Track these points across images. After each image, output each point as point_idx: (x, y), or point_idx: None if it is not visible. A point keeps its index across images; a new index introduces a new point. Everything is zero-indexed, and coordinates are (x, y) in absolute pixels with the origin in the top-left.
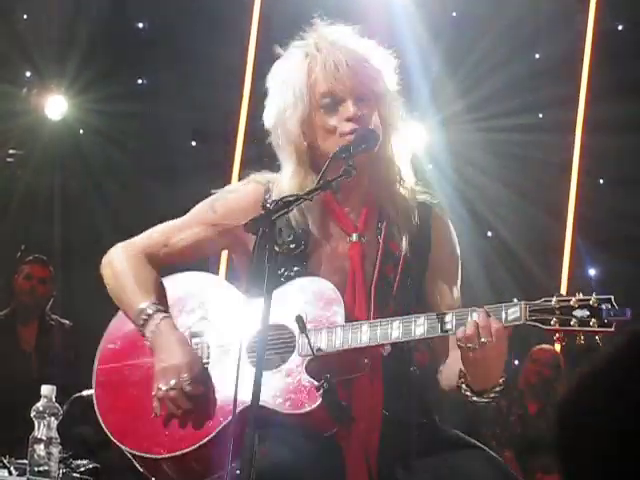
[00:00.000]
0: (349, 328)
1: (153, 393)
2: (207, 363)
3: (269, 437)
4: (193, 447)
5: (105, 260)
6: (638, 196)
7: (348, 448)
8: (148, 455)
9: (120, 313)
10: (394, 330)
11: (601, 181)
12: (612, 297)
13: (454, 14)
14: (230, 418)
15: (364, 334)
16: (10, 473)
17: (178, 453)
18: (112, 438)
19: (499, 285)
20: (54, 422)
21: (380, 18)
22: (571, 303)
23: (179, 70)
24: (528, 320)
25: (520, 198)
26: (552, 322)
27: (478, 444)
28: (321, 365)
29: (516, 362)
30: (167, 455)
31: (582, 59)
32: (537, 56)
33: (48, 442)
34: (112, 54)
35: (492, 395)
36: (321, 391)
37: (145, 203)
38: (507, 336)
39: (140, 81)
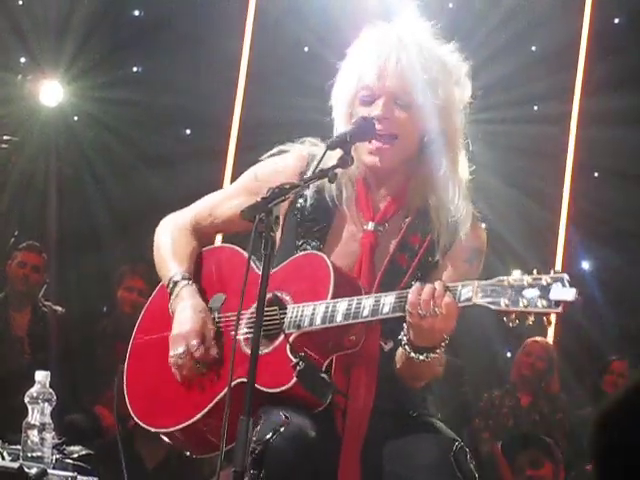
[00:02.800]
0: (330, 304)
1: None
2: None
3: (287, 410)
4: (196, 418)
5: (157, 230)
6: (632, 190)
7: (343, 427)
8: (157, 430)
9: (158, 287)
10: (365, 308)
11: (596, 174)
12: (565, 275)
13: (450, 5)
14: (219, 396)
15: (339, 313)
16: (3, 458)
17: (184, 424)
18: (129, 408)
19: (492, 277)
20: (48, 408)
21: (375, 7)
22: (524, 282)
23: (175, 58)
24: (480, 299)
25: (514, 190)
26: (502, 303)
27: (444, 430)
28: (305, 343)
29: (508, 354)
30: (170, 429)
31: (578, 52)
32: (533, 48)
33: (41, 428)
34: (108, 41)
35: (432, 355)
36: (297, 369)
37: (140, 190)
38: (457, 315)
39: (135, 69)
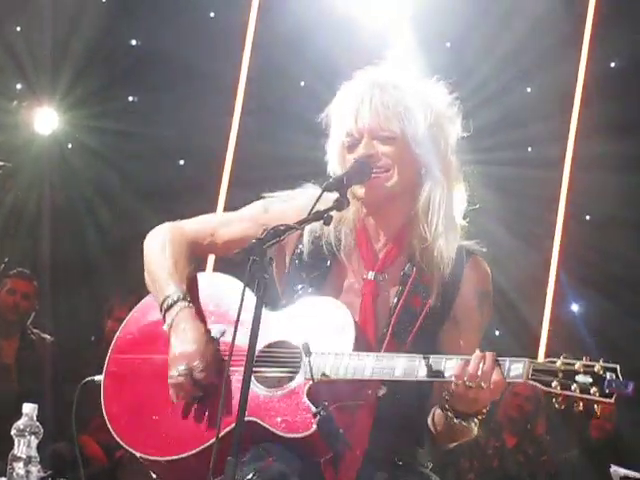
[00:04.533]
0: (355, 357)
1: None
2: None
3: (274, 451)
4: (191, 452)
5: (151, 235)
6: (623, 235)
7: (332, 474)
8: (143, 456)
9: (140, 304)
10: (398, 368)
11: (587, 217)
12: (618, 367)
13: (448, 45)
14: (228, 429)
15: (368, 367)
16: None
17: (174, 457)
18: (111, 430)
19: None
20: (34, 441)
21: (372, 43)
22: (575, 367)
23: (171, 89)
24: (529, 379)
25: (505, 230)
26: (553, 384)
27: None
28: (324, 390)
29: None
30: (159, 458)
31: (574, 94)
32: (529, 90)
33: (27, 461)
34: (105, 71)
35: (474, 421)
36: (317, 418)
37: (132, 220)
38: (503, 389)
39: (131, 98)
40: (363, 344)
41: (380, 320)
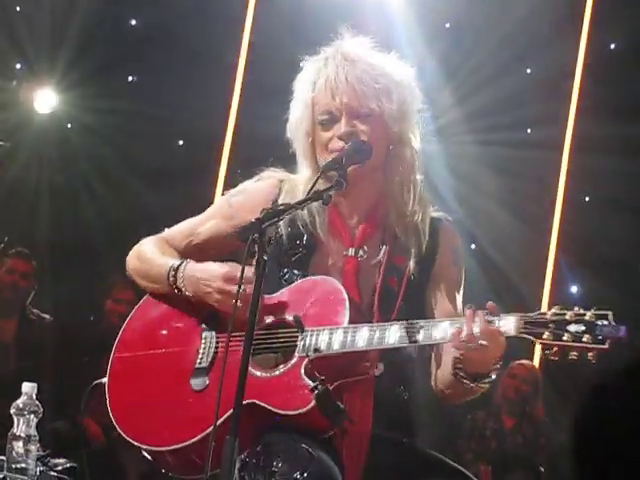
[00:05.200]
0: (349, 330)
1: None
2: (215, 354)
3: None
4: (192, 440)
5: (130, 254)
6: (622, 216)
7: (345, 453)
8: (149, 447)
9: (141, 302)
10: (392, 335)
11: (587, 199)
12: (610, 313)
13: (447, 25)
14: (224, 417)
15: (361, 338)
16: None
17: (178, 446)
18: (117, 427)
19: (481, 298)
20: (34, 420)
21: (376, 27)
22: (566, 317)
23: (170, 69)
24: (521, 332)
25: (505, 212)
26: (545, 335)
27: (457, 467)
28: (320, 366)
29: (493, 376)
30: (165, 448)
31: (574, 76)
32: (528, 71)
33: (27, 440)
34: (104, 50)
35: (486, 380)
36: (315, 393)
37: (131, 200)
38: (503, 340)
39: (130, 78)
40: (354, 318)
41: (364, 295)
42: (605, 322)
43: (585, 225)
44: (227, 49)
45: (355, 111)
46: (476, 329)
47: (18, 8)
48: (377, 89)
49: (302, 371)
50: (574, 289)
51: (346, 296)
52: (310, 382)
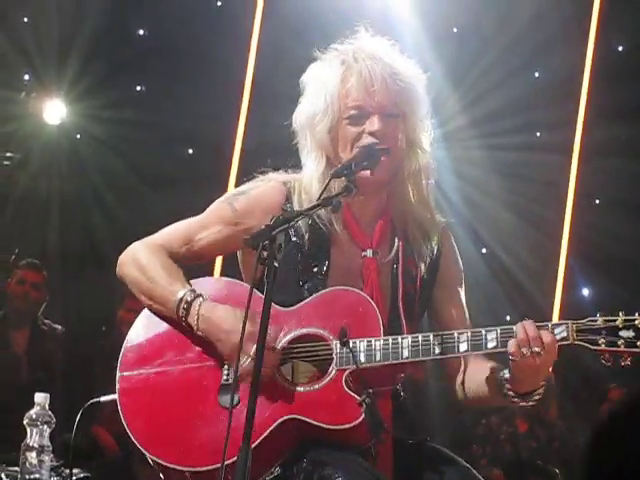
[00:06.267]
0: (389, 342)
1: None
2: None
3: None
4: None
5: (125, 257)
6: (633, 218)
7: (378, 462)
8: (175, 466)
9: (138, 321)
10: (436, 346)
11: (597, 201)
12: None
13: (455, 30)
14: (266, 434)
15: (405, 349)
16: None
17: (208, 468)
18: (138, 445)
19: (492, 301)
20: (47, 430)
21: (383, 31)
22: (617, 323)
23: (178, 78)
24: (576, 340)
25: (515, 215)
26: (599, 342)
27: (461, 462)
28: (359, 378)
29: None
30: (194, 469)
31: (582, 79)
32: (537, 75)
33: (40, 450)
34: (112, 61)
35: (535, 397)
36: (363, 406)
37: (141, 209)
38: (556, 351)
39: (139, 88)
40: (385, 327)
41: (387, 300)
42: None
43: (595, 228)
44: (234, 57)
45: (387, 110)
46: (531, 335)
47: (26, 19)
48: (406, 89)
49: (344, 384)
50: (585, 291)
51: (375, 307)
52: (356, 395)
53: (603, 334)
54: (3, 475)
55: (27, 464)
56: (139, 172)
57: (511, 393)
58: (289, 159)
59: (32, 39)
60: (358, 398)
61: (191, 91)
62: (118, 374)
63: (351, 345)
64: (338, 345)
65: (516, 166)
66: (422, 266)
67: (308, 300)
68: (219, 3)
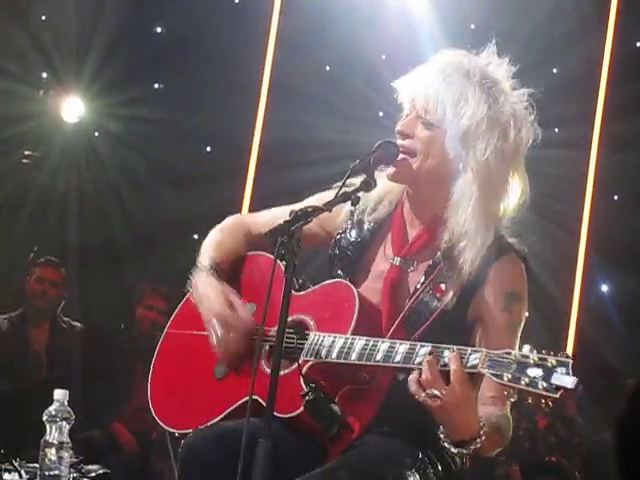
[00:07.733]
0: (348, 340)
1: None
2: None
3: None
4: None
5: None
6: None
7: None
8: (178, 432)
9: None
10: (379, 352)
11: (616, 197)
12: (570, 361)
13: (473, 27)
14: (228, 411)
15: (354, 351)
16: (20, 476)
17: (182, 431)
18: (150, 406)
19: None
20: (66, 426)
21: (400, 29)
22: (529, 360)
23: (196, 75)
24: (483, 368)
25: (534, 212)
26: (504, 377)
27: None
28: (321, 372)
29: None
30: (184, 430)
31: (600, 74)
32: (555, 71)
33: (59, 446)
34: (130, 58)
35: (472, 447)
36: (305, 399)
37: (159, 207)
38: (468, 383)
39: (157, 86)
40: (368, 328)
41: (394, 307)
42: (564, 370)
43: (614, 223)
44: (252, 54)
45: (421, 115)
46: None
47: (44, 17)
48: (450, 101)
49: (302, 375)
50: (604, 287)
51: (357, 305)
52: (304, 387)
53: (511, 369)
54: (23, 471)
55: (46, 460)
56: (157, 169)
57: (442, 436)
58: (307, 154)
59: (50, 37)
60: (304, 390)
61: (209, 88)
62: (167, 327)
63: (319, 338)
64: (315, 336)
65: (534, 162)
66: (449, 296)
67: (316, 287)
68: (237, 0)
